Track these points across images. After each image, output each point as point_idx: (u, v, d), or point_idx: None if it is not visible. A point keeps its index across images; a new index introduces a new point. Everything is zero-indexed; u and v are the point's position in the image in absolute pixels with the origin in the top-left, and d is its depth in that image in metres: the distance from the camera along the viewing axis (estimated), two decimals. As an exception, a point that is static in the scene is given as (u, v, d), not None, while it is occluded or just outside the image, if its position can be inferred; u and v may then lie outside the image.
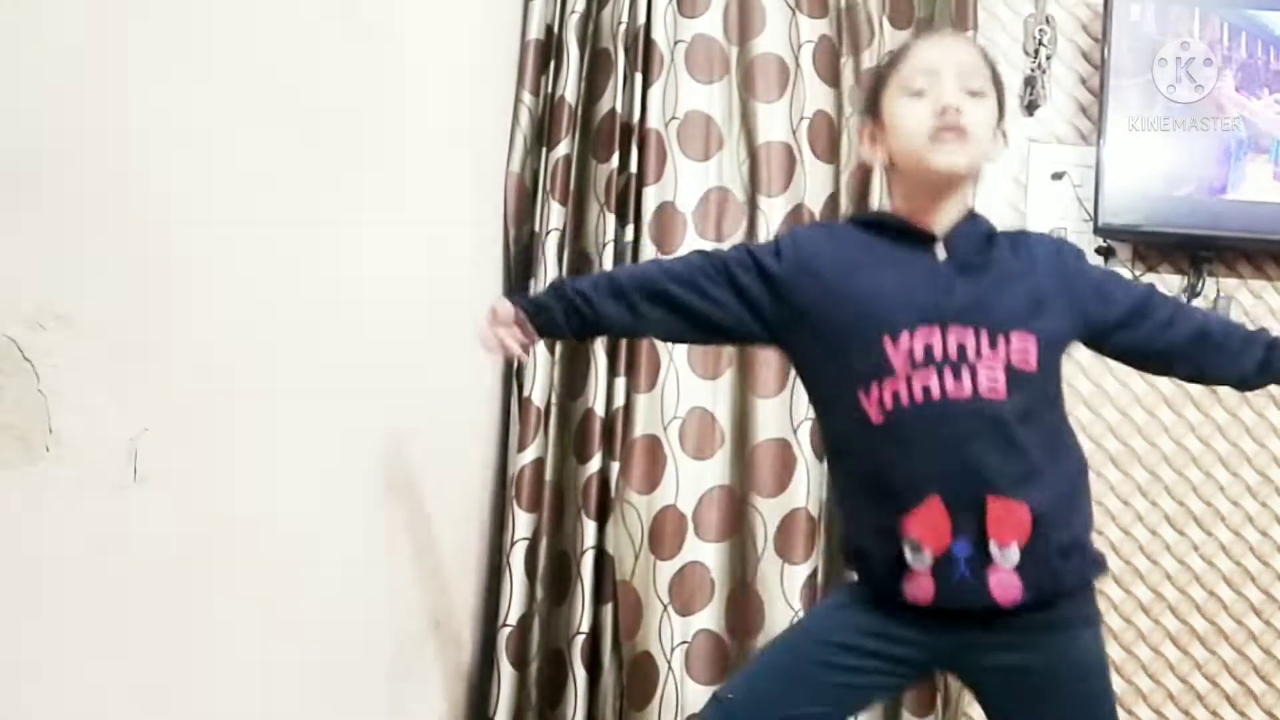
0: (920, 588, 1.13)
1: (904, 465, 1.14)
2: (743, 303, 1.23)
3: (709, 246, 1.88)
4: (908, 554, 1.12)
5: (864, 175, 2.01)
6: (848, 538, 1.27)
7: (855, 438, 1.18)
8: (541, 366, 1.91)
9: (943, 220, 1.21)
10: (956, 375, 1.12)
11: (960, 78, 1.18)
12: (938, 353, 1.13)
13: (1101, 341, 1.27)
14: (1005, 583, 1.11)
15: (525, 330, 1.25)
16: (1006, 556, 1.11)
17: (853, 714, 1.24)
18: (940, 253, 1.19)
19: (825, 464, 1.35)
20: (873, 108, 1.25)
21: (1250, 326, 1.31)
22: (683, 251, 1.93)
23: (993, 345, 1.14)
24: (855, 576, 1.25)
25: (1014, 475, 1.13)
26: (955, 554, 1.11)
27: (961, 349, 1.13)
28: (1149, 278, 2.21)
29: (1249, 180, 2.12)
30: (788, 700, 1.19)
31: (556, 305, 1.26)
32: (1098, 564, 1.21)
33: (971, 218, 1.24)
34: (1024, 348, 1.14)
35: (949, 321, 1.14)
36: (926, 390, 1.12)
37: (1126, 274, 2.20)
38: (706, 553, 1.87)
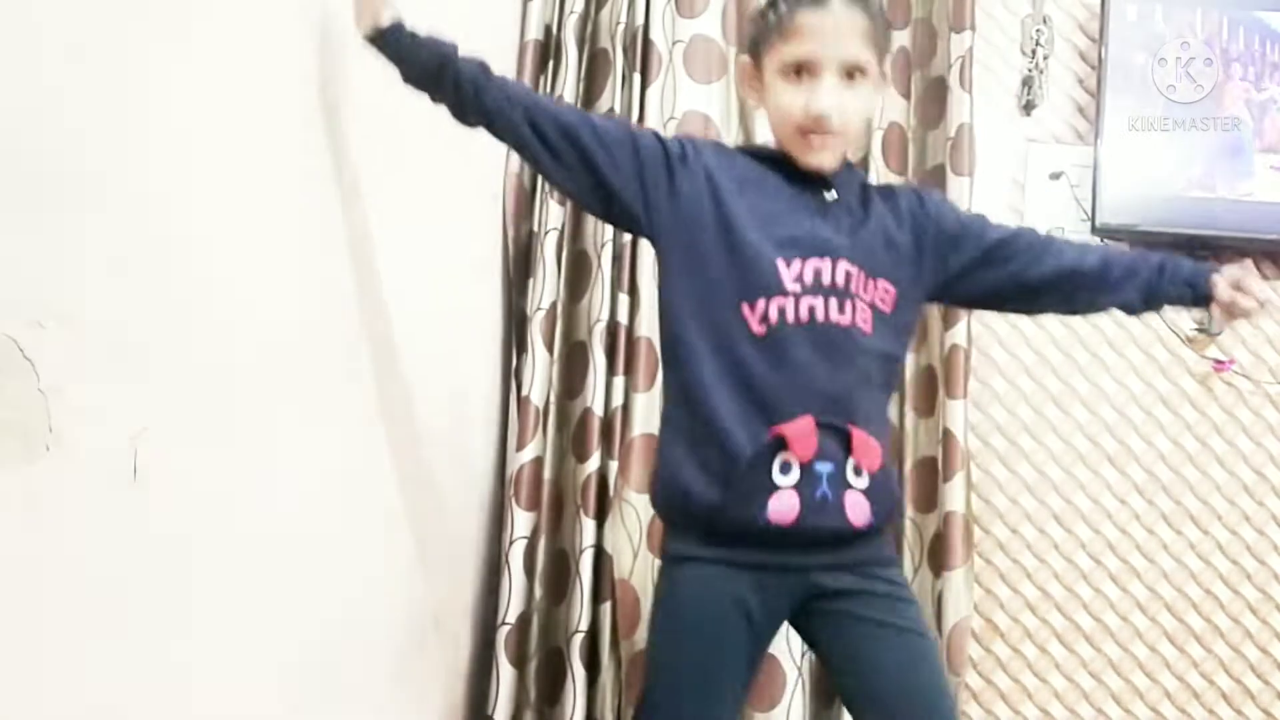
0: (785, 505, 1.16)
1: (781, 379, 1.17)
2: (640, 180, 1.23)
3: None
4: (776, 471, 1.15)
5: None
6: (693, 473, 1.20)
7: (732, 346, 1.19)
8: (540, 366, 1.92)
9: (824, 168, 1.25)
10: (840, 303, 1.19)
11: (841, 63, 1.19)
12: (826, 280, 1.19)
13: (964, 281, 1.30)
14: (857, 505, 1.18)
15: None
16: (860, 480, 1.18)
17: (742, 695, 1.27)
18: (830, 195, 1.25)
19: (671, 376, 1.27)
20: (755, 54, 1.27)
21: (1151, 256, 1.31)
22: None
23: (865, 286, 1.22)
24: (683, 529, 1.23)
25: (869, 411, 1.21)
26: (818, 471, 1.16)
27: (848, 279, 1.20)
28: (1146, 277, 2.21)
29: (1247, 180, 2.12)
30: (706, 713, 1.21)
31: (431, 59, 1.21)
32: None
33: (849, 168, 1.30)
34: (886, 292, 1.23)
35: (839, 256, 1.20)
36: (812, 310, 1.18)
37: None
38: (705, 552, 1.88)
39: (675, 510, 1.25)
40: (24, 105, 0.77)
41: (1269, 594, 2.18)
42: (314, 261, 1.24)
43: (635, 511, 1.87)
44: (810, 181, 1.25)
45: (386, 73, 1.28)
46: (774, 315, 1.18)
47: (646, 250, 1.92)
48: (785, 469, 1.16)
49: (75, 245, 0.83)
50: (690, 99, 1.96)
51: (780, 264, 1.19)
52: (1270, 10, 2.14)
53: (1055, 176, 2.22)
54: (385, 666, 1.50)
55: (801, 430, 1.15)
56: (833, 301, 1.19)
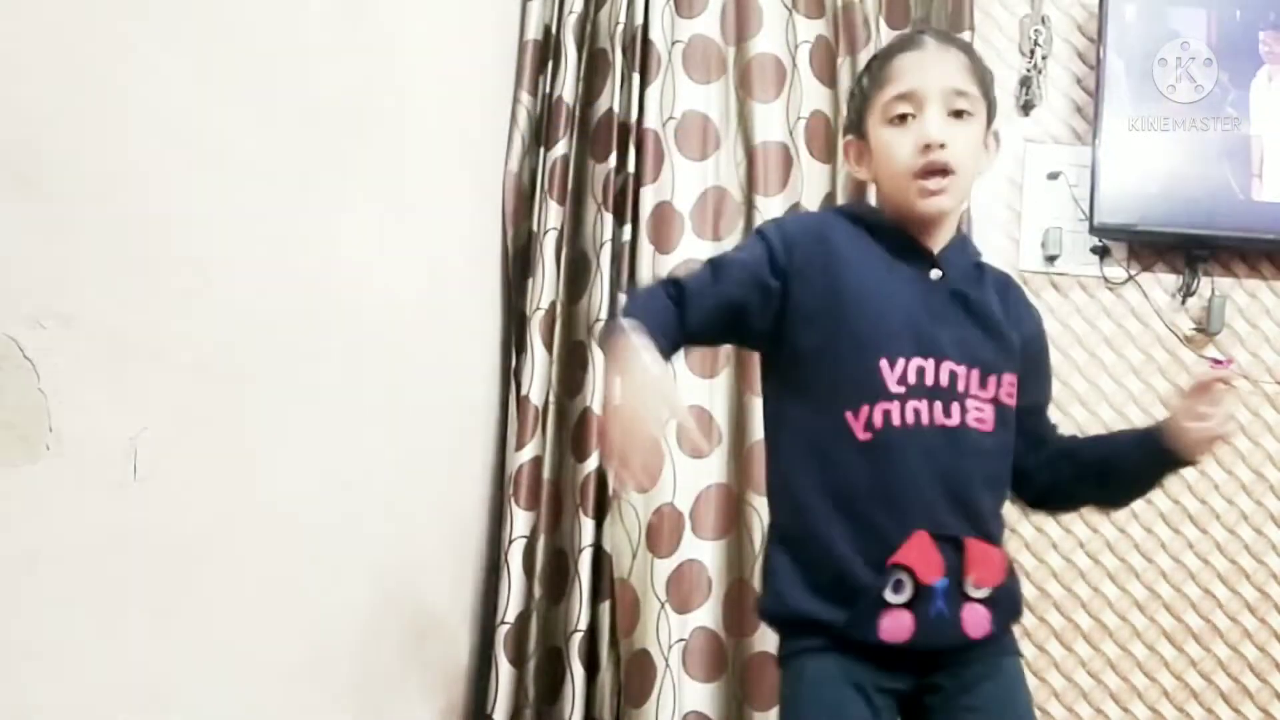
0: (898, 625, 1.09)
1: (890, 491, 1.10)
2: (765, 301, 1.16)
3: (706, 246, 1.91)
4: (889, 590, 1.08)
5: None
6: (806, 596, 1.13)
7: (837, 455, 1.12)
8: (539, 365, 1.92)
9: (936, 238, 1.18)
10: (946, 405, 1.11)
11: (945, 100, 1.13)
12: (929, 379, 1.11)
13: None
14: (977, 616, 1.11)
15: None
16: (980, 592, 1.11)
17: None
18: (935, 274, 1.17)
19: (776, 486, 1.21)
20: (858, 126, 1.21)
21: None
22: (679, 251, 1.95)
23: (983, 384, 1.14)
24: (798, 633, 1.15)
25: (990, 511, 1.14)
26: (935, 588, 1.09)
27: (954, 378, 1.12)
28: (1144, 277, 2.22)
29: (1243, 180, 2.12)
30: None
31: (671, 345, 1.12)
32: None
33: (962, 241, 1.23)
34: (1010, 387, 1.16)
35: (944, 354, 1.12)
36: (918, 414, 1.10)
37: (1122, 273, 2.21)
38: (704, 550, 1.88)
39: (788, 625, 1.18)
40: (24, 105, 0.77)
41: (1267, 593, 2.18)
42: (313, 262, 1.24)
43: (634, 511, 1.88)
44: (917, 256, 1.17)
45: (380, 76, 1.28)
46: (879, 420, 1.09)
47: (645, 250, 1.92)
48: (898, 588, 1.08)
49: (75, 245, 0.83)
50: (689, 99, 1.97)
51: (884, 364, 1.10)
52: (1263, 10, 2.14)
53: (1053, 176, 2.22)
54: (385, 665, 1.50)
55: (920, 552, 1.08)
56: (938, 405, 1.11)
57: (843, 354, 1.13)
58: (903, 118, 1.14)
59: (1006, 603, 1.15)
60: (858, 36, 2.03)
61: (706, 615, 1.87)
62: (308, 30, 1.21)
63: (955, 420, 1.11)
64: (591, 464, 1.89)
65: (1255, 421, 2.20)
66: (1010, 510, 2.25)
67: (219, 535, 1.04)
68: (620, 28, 1.96)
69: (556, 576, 1.92)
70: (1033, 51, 2.20)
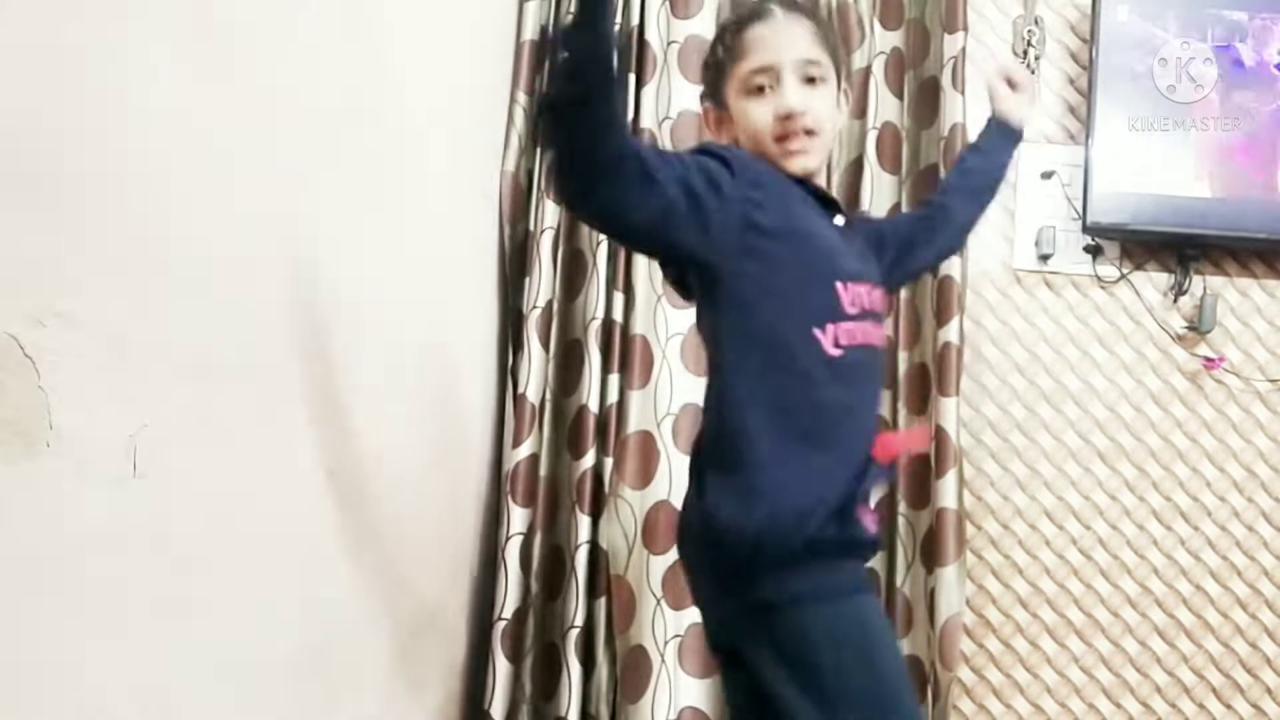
0: (872, 519, 1.17)
1: (856, 402, 1.18)
2: (690, 202, 1.08)
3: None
4: (870, 485, 1.17)
5: (855, 175, 2.03)
6: (795, 504, 1.09)
7: (813, 374, 1.13)
8: (536, 363, 1.93)
9: (810, 170, 1.24)
10: (874, 326, 1.22)
11: (798, 69, 1.19)
12: (867, 303, 1.20)
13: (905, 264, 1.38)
14: (869, 519, 1.19)
15: None
16: (873, 500, 1.21)
17: None
18: (840, 220, 1.26)
19: (755, 423, 1.14)
20: (715, 94, 1.27)
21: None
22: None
23: (880, 304, 1.25)
24: (796, 551, 1.08)
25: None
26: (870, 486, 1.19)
27: (874, 301, 1.22)
28: (1137, 276, 2.23)
29: (1236, 179, 2.14)
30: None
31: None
32: None
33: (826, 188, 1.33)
34: (885, 304, 1.27)
35: (869, 279, 1.22)
36: (865, 335, 1.20)
37: (1115, 272, 2.23)
38: (699, 548, 1.89)
39: (790, 542, 1.10)
40: (24, 105, 0.78)
41: (1258, 589, 2.19)
42: (313, 260, 1.25)
43: (630, 508, 1.89)
44: (824, 206, 1.24)
45: (378, 77, 1.28)
46: (844, 338, 1.16)
47: (641, 249, 1.93)
48: (876, 480, 1.19)
49: (75, 245, 0.84)
50: (685, 99, 1.98)
51: (839, 287, 1.17)
52: (1249, 11, 2.15)
53: (1047, 176, 2.23)
54: (383, 662, 1.51)
55: (883, 442, 1.18)
56: (871, 324, 1.20)
57: (805, 278, 1.16)
58: (760, 89, 1.20)
59: (880, 515, 1.31)
60: (851, 37, 2.04)
61: (702, 612, 1.88)
62: (307, 30, 1.22)
63: (878, 341, 1.23)
64: (588, 461, 1.90)
65: (1247, 419, 2.22)
66: (1005, 508, 2.27)
67: (218, 532, 1.05)
68: (616, 28, 1.97)
69: (553, 573, 1.93)
70: (1026, 52, 2.22)
